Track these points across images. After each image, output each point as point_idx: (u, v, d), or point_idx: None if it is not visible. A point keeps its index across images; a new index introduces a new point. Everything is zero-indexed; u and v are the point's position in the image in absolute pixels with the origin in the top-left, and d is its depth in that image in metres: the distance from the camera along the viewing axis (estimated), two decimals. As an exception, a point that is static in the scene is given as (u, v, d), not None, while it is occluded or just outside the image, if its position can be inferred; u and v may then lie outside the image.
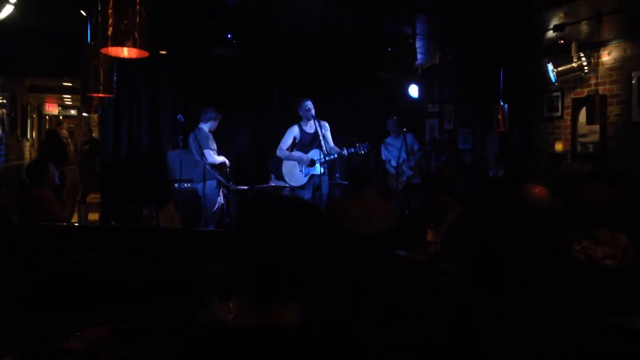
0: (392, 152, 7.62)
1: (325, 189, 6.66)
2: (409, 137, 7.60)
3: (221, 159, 6.56)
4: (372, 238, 4.12)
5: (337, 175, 7.13)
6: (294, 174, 6.82)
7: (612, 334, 2.51)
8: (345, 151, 6.68)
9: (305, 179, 6.79)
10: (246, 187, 6.82)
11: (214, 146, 6.60)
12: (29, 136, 11.67)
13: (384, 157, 7.84)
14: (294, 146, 6.85)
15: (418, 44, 6.59)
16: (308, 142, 6.80)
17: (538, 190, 3.16)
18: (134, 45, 2.41)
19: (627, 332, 2.49)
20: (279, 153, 6.85)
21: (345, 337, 1.38)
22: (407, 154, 7.38)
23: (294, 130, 6.83)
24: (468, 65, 7.10)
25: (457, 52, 6.58)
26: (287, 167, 6.88)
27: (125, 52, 2.67)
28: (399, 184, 7.46)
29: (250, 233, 1.37)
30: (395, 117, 7.72)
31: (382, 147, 7.84)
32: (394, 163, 7.46)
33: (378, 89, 8.37)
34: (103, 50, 2.63)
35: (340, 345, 1.36)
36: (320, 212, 1.60)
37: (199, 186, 6.50)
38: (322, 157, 6.46)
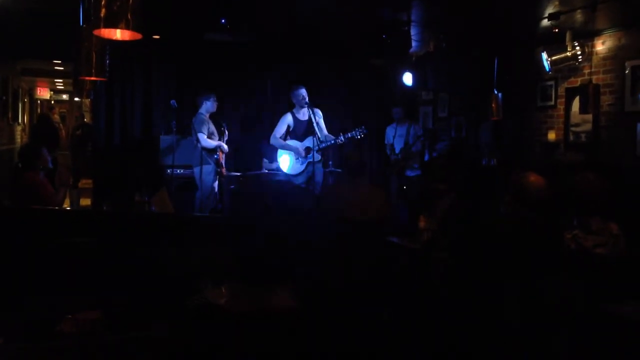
0: (395, 139, 7.60)
1: (319, 177, 6.64)
2: (413, 128, 7.60)
3: (215, 143, 6.55)
4: (365, 225, 4.13)
5: (331, 162, 7.12)
6: (291, 162, 6.79)
7: (602, 320, 2.53)
8: (341, 137, 6.64)
9: (302, 167, 6.76)
10: (239, 174, 6.82)
11: (212, 129, 6.60)
12: (20, 120, 11.58)
13: (386, 141, 7.80)
14: (287, 134, 6.82)
15: (413, 32, 6.56)
16: (302, 131, 6.76)
17: (534, 178, 3.17)
18: (127, 27, 2.39)
19: (616, 318, 2.51)
20: (272, 141, 6.80)
21: (337, 322, 1.39)
22: (406, 144, 7.39)
23: (288, 119, 6.79)
24: (463, 54, 7.08)
25: (452, 40, 6.56)
26: (283, 156, 6.84)
27: (118, 34, 2.64)
28: (397, 172, 7.47)
29: (243, 218, 1.37)
30: (400, 107, 7.71)
31: (388, 130, 7.79)
32: (396, 151, 7.49)
33: (373, 77, 8.35)
34: (96, 32, 2.61)
35: (331, 330, 1.36)
36: (313, 197, 1.60)
37: (197, 170, 6.51)
38: (317, 144, 6.43)
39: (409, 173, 7.46)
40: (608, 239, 3.02)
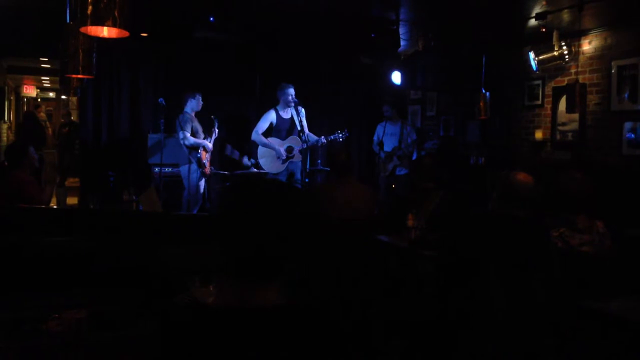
0: (387, 137, 7.58)
1: (298, 175, 6.63)
2: (408, 128, 7.60)
3: (198, 141, 6.52)
4: (353, 224, 4.13)
5: (319, 161, 7.12)
6: (271, 160, 6.75)
7: (588, 317, 2.55)
8: (323, 139, 6.66)
9: (284, 167, 6.75)
10: (227, 172, 6.80)
11: (197, 127, 6.57)
12: (6, 118, 11.48)
13: (375, 138, 7.76)
14: (270, 131, 6.79)
15: (401, 31, 6.58)
16: (284, 128, 6.74)
17: (522, 177, 3.20)
18: (114, 25, 2.38)
19: (602, 316, 2.53)
20: (254, 137, 6.76)
21: (326, 320, 1.39)
22: (400, 143, 7.40)
23: (271, 116, 6.76)
24: (451, 53, 7.11)
25: (441, 39, 6.58)
26: (263, 153, 6.80)
27: (105, 31, 2.62)
28: (385, 170, 7.49)
29: (231, 213, 1.37)
30: (389, 105, 7.71)
31: (379, 127, 7.77)
32: (386, 148, 7.47)
33: (361, 75, 8.36)
34: (82, 30, 2.59)
35: (321, 327, 1.36)
36: (301, 193, 1.59)
37: (183, 168, 6.48)
38: (300, 144, 6.43)
39: (398, 171, 7.48)
40: (594, 237, 3.04)
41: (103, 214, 4.22)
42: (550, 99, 6.66)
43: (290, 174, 6.78)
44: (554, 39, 5.77)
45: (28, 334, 2.04)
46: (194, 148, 6.49)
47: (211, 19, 5.89)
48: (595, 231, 3.07)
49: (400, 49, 7.34)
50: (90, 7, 2.38)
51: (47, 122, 15.21)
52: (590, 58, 6.12)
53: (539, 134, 6.78)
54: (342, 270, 3.64)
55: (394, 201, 7.13)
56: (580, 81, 6.00)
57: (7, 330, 2.06)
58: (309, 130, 6.76)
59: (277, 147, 6.70)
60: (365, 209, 4.29)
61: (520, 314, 2.57)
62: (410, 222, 4.02)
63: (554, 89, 6.60)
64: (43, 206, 4.46)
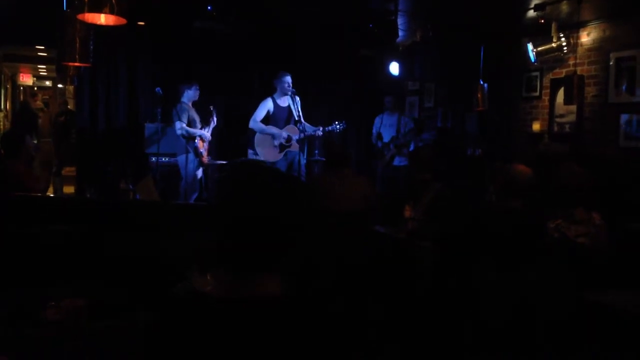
0: (385, 129, 7.58)
1: (296, 165, 6.60)
2: (405, 118, 7.60)
3: (194, 131, 6.50)
4: (350, 215, 4.13)
5: (317, 152, 7.10)
6: (269, 148, 6.71)
7: (584, 308, 2.56)
8: (320, 130, 6.62)
9: (281, 155, 6.71)
10: (224, 162, 6.78)
11: (194, 117, 6.55)
12: (2, 107, 11.42)
13: (374, 131, 7.75)
14: (267, 121, 6.75)
15: (400, 21, 6.55)
16: (282, 117, 6.71)
17: (521, 168, 3.21)
18: (112, 12, 2.36)
19: (598, 307, 2.55)
20: (252, 125, 6.71)
21: (323, 312, 1.39)
22: (397, 132, 7.40)
23: (268, 104, 6.71)
24: (449, 44, 7.09)
25: (439, 30, 6.56)
26: (260, 141, 6.75)
27: (103, 18, 2.61)
28: (383, 159, 7.49)
29: (229, 202, 1.36)
30: (392, 96, 7.71)
31: (377, 120, 7.77)
32: (385, 140, 7.48)
33: (360, 66, 8.33)
34: (80, 17, 2.57)
35: (318, 319, 1.36)
36: (300, 182, 1.59)
37: (181, 158, 6.47)
38: (298, 134, 6.40)
39: (396, 162, 7.48)
40: (591, 229, 3.05)
41: (100, 203, 4.21)
42: (548, 90, 6.65)
43: (289, 164, 6.74)
44: (553, 30, 5.76)
45: (26, 323, 2.04)
46: (191, 138, 6.47)
47: (209, 8, 5.86)
48: (591, 223, 3.08)
49: (399, 39, 7.31)
50: (87, -5, 2.37)
51: (45, 109, 15.14)
52: (589, 50, 6.11)
53: (536, 126, 6.78)
54: (339, 262, 3.65)
55: (392, 192, 7.13)
56: (578, 73, 5.99)
57: (5, 319, 2.06)
58: (307, 121, 6.72)
59: (276, 131, 6.65)
60: (362, 200, 4.29)
61: (516, 304, 2.58)
62: (407, 213, 4.03)
63: (552, 80, 6.59)
64: (39, 195, 4.45)
